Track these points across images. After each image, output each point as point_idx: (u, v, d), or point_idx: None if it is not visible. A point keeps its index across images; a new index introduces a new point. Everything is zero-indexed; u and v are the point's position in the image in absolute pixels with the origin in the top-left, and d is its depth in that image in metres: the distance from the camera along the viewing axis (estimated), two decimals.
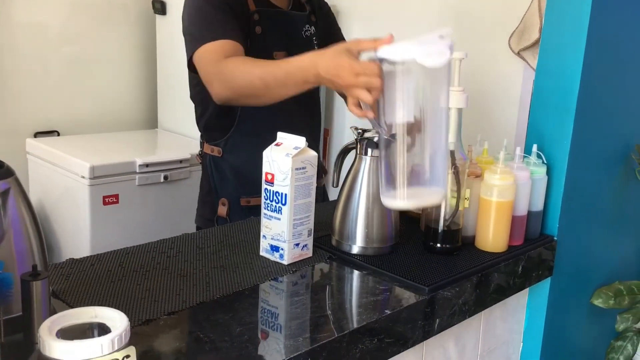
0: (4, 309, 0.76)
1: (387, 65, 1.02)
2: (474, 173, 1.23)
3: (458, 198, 1.17)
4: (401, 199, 1.04)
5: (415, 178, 1.05)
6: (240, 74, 1.30)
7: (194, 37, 1.40)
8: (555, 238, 1.35)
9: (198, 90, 1.54)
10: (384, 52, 1.01)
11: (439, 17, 2.45)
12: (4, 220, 0.77)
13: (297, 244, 1.14)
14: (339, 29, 1.76)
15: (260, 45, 1.47)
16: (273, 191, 1.12)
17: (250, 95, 1.30)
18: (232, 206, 1.55)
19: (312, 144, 1.42)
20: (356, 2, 2.08)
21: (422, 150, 1.05)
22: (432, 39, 1.01)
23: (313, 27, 1.61)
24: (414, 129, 1.05)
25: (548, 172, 1.31)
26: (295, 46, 1.49)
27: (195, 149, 2.53)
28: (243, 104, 1.42)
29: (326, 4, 1.72)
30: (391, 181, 1.05)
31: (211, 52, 1.35)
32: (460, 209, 1.20)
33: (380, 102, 1.03)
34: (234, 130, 1.53)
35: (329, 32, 1.67)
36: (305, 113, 1.60)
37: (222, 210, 1.56)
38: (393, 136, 1.04)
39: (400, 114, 1.02)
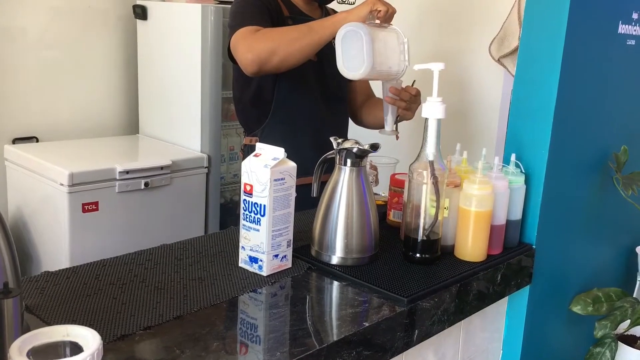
0: None
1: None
2: (453, 183, 1.24)
3: (437, 208, 1.18)
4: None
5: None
6: (275, 31, 1.51)
7: (233, 28, 1.58)
8: (533, 246, 1.36)
9: (238, 88, 1.73)
10: None
11: (419, 23, 2.46)
12: None
13: (276, 255, 1.14)
14: None
15: None
16: (252, 202, 1.12)
17: (281, 49, 1.48)
18: None
19: (339, 136, 1.59)
20: (340, 9, 2.08)
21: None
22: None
23: None
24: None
25: (526, 181, 1.32)
26: (326, 51, 1.63)
27: (177, 155, 2.54)
28: (272, 67, 1.51)
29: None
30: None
31: (244, 30, 1.53)
32: (439, 218, 1.20)
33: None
34: (269, 120, 1.69)
35: None
36: (331, 109, 1.76)
37: None
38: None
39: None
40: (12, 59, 2.58)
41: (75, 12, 2.74)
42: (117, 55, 2.92)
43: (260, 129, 1.71)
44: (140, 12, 2.78)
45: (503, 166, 1.30)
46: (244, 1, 1.63)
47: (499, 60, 2.21)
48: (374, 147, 1.17)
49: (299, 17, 1.65)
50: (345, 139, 1.22)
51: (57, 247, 2.26)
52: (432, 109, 1.15)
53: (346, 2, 2.70)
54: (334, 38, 1.68)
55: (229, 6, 1.74)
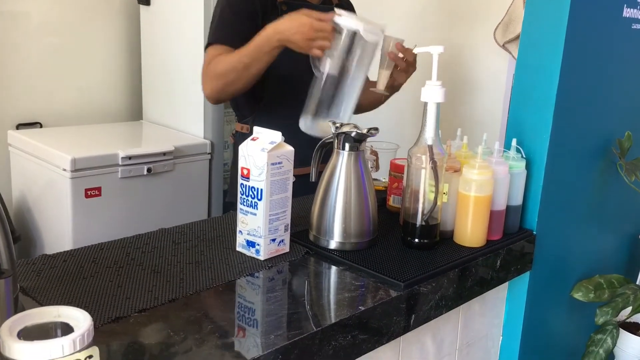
0: None
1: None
2: (452, 168, 1.23)
3: (436, 193, 1.17)
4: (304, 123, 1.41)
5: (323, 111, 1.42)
6: (222, 64, 1.49)
7: (211, 31, 1.60)
8: (534, 232, 1.35)
9: None
10: (339, 20, 1.37)
11: (423, 9, 2.44)
12: None
13: (274, 240, 1.13)
14: None
15: None
16: (249, 186, 1.11)
17: (234, 80, 1.49)
18: None
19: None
20: None
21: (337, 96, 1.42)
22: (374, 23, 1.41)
23: None
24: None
25: (527, 166, 1.31)
26: None
27: (180, 141, 2.53)
28: (231, 93, 1.56)
29: (351, 4, 1.84)
30: (307, 109, 1.42)
31: (210, 56, 1.54)
32: (438, 203, 1.19)
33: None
34: (261, 107, 1.66)
35: None
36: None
37: None
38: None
39: (328, 64, 1.39)
40: (15, 44, 2.58)
41: None
42: (120, 41, 2.91)
43: (251, 116, 1.68)
44: None
45: (504, 151, 1.28)
46: (229, 1, 1.60)
47: (503, 46, 2.19)
48: (372, 131, 1.17)
49: (294, 2, 1.60)
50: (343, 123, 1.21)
51: (60, 232, 2.27)
52: (431, 92, 1.14)
53: None
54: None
55: None
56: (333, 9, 1.69)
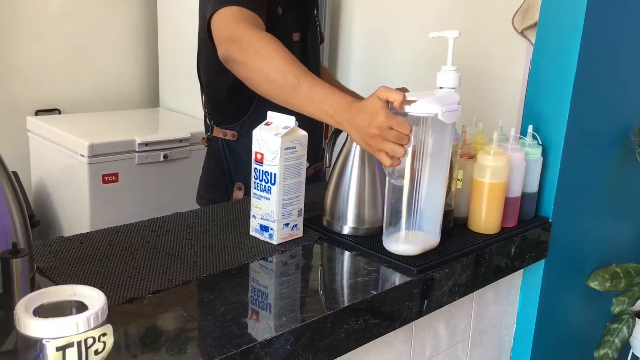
0: None
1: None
2: (467, 154, 1.22)
3: (450, 179, 1.16)
4: (404, 246, 1.09)
5: (412, 221, 1.11)
6: (272, 50, 1.17)
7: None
8: (550, 220, 1.34)
9: (210, 72, 1.47)
10: (412, 109, 1.03)
11: None
12: None
13: (287, 224, 1.14)
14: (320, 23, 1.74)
15: (281, 26, 1.44)
16: (262, 171, 1.11)
17: (264, 78, 1.18)
18: (248, 190, 1.48)
19: (323, 125, 1.45)
20: None
21: (422, 196, 1.09)
22: (448, 94, 1.09)
23: (316, 9, 1.62)
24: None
25: (544, 154, 1.30)
26: (307, 27, 1.54)
27: (196, 128, 2.54)
28: (243, 76, 1.25)
29: None
30: (394, 223, 1.11)
31: (235, 15, 1.24)
32: (452, 190, 1.19)
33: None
34: (251, 114, 1.47)
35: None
36: None
37: (238, 194, 1.52)
38: (401, 181, 1.08)
39: (409, 162, 1.07)
40: (34, 31, 2.61)
41: None
42: (137, 29, 2.93)
43: (239, 123, 1.49)
44: None
45: (520, 138, 1.27)
46: None
47: (522, 32, 2.16)
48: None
49: None
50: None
51: (78, 217, 2.30)
52: (446, 78, 1.13)
53: None
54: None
55: None
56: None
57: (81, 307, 0.70)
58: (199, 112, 2.84)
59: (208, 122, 1.58)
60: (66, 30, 2.69)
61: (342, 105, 1.08)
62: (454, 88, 1.12)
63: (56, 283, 0.92)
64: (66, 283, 0.91)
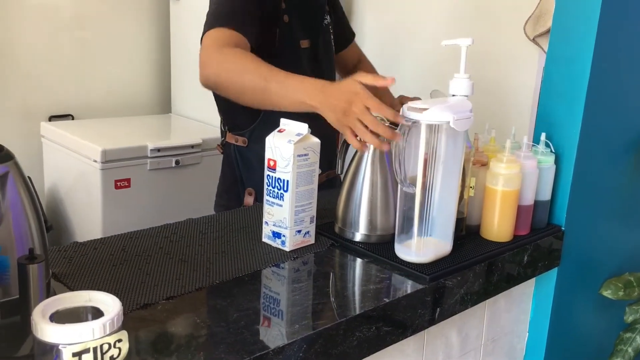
0: (1, 292, 0.77)
1: (409, 121, 1.04)
2: (479, 161, 1.22)
3: (462, 186, 1.16)
4: (416, 254, 1.09)
5: (424, 228, 1.10)
6: (240, 65, 1.25)
7: (212, 17, 1.36)
8: (562, 228, 1.33)
9: None
10: (424, 117, 1.03)
11: (454, 2, 2.41)
12: (2, 204, 0.78)
13: (299, 231, 1.14)
14: (347, 23, 1.81)
15: (288, 33, 1.48)
16: (275, 177, 1.12)
17: (231, 91, 1.27)
18: (259, 196, 1.50)
19: (335, 130, 1.44)
20: None
21: (434, 203, 1.09)
22: (461, 102, 1.09)
23: (329, 17, 1.64)
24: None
25: (556, 161, 1.29)
26: (317, 35, 1.56)
27: (208, 134, 2.55)
28: (224, 95, 1.34)
29: None
30: (406, 231, 1.10)
31: (217, 38, 1.32)
32: (464, 197, 1.19)
33: (400, 156, 1.04)
34: (260, 120, 1.48)
35: (339, 22, 1.72)
36: None
37: (249, 200, 1.53)
38: (413, 189, 1.08)
39: (422, 169, 1.06)
40: (48, 38, 2.63)
41: None
42: (150, 35, 2.95)
43: (249, 129, 1.51)
44: None
45: (533, 145, 1.27)
46: None
47: (534, 40, 2.16)
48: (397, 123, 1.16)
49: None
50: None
51: (91, 222, 2.31)
52: (459, 85, 1.13)
53: None
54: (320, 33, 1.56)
55: None
56: (324, 4, 1.56)
57: (97, 313, 0.71)
58: (211, 118, 2.86)
59: (222, 128, 1.61)
60: (80, 37, 2.72)
61: (315, 89, 1.11)
62: (466, 96, 1.12)
63: (71, 288, 0.93)
64: (81, 289, 0.92)
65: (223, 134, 1.60)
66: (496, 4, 2.29)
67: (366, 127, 1.06)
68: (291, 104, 1.16)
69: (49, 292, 0.83)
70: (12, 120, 2.59)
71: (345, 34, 1.77)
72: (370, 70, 1.78)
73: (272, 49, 1.44)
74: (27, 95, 2.63)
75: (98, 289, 0.91)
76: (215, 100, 1.57)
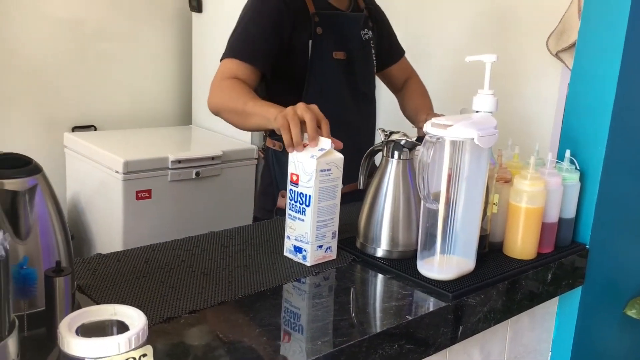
0: (28, 303, 0.78)
1: (433, 137, 1.05)
2: (503, 178, 1.21)
3: (486, 203, 1.15)
4: (439, 271, 1.08)
5: (447, 245, 1.09)
6: (229, 96, 1.42)
7: (229, 46, 1.51)
8: (587, 246, 1.31)
9: (262, 87, 1.59)
10: (448, 134, 1.03)
11: (476, 15, 2.41)
12: (30, 216, 0.79)
13: (321, 246, 1.14)
14: (395, 41, 1.84)
15: (321, 45, 1.55)
16: (297, 192, 1.12)
17: (233, 119, 1.44)
18: None
19: (368, 141, 1.53)
20: (392, 1, 2.06)
21: (457, 220, 1.08)
22: (485, 118, 1.09)
23: (371, 32, 1.68)
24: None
25: (581, 179, 1.28)
26: (354, 47, 1.62)
27: (228, 146, 2.57)
28: (225, 120, 1.49)
29: (384, 14, 1.81)
30: (428, 247, 1.10)
31: (225, 70, 1.47)
32: (487, 214, 1.18)
33: (424, 172, 1.04)
34: None
35: (384, 39, 1.77)
36: (361, 112, 1.68)
37: (282, 202, 1.59)
38: (436, 205, 1.07)
39: (445, 186, 1.06)
40: (72, 50, 2.67)
41: (132, 4, 2.81)
42: (172, 48, 2.98)
43: None
44: (196, 5, 2.83)
45: (557, 162, 1.26)
46: (255, 12, 1.51)
47: (556, 55, 2.14)
48: (422, 140, 1.16)
49: (326, 12, 1.57)
50: (373, 139, 1.20)
51: (112, 232, 2.33)
52: (483, 101, 1.12)
53: None
54: (367, 40, 1.65)
55: None
56: (365, 20, 1.67)
57: (122, 326, 0.71)
58: (230, 130, 2.87)
59: (264, 133, 1.72)
60: (103, 49, 2.76)
61: (276, 108, 1.24)
62: (490, 112, 1.12)
63: (95, 300, 0.94)
64: (104, 301, 0.92)
65: (264, 138, 1.70)
66: (518, 19, 2.28)
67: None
68: (260, 120, 1.30)
69: (73, 304, 0.83)
70: (36, 131, 2.63)
71: (391, 51, 1.80)
72: (418, 90, 1.80)
73: (305, 59, 1.53)
74: (51, 106, 2.67)
75: (121, 302, 0.92)
76: None
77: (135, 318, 0.71)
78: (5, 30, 2.49)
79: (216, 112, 1.48)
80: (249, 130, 1.64)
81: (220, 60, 1.50)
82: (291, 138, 1.12)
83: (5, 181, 0.77)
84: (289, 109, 1.17)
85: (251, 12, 1.52)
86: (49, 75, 2.64)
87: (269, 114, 1.25)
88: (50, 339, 0.76)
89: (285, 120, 1.14)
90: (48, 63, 2.63)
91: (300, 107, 1.15)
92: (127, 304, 0.74)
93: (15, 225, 0.77)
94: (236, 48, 1.49)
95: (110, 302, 0.91)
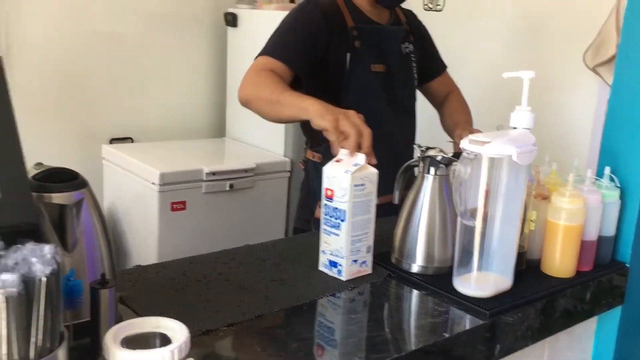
0: (73, 314, 0.80)
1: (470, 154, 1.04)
2: (541, 195, 1.19)
3: (523, 220, 1.14)
4: (475, 288, 1.08)
5: (484, 262, 1.09)
6: (263, 85, 1.43)
7: (265, 47, 1.54)
8: (627, 265, 1.29)
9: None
10: (486, 150, 1.03)
11: (512, 30, 2.40)
12: (76, 229, 0.81)
13: (356, 260, 1.14)
14: (437, 55, 1.85)
15: (359, 57, 1.58)
16: (332, 207, 1.13)
17: (264, 110, 1.44)
18: None
19: (407, 153, 1.54)
20: (426, 16, 2.07)
21: (494, 237, 1.08)
22: (523, 135, 1.08)
23: (412, 46, 1.70)
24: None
25: (621, 196, 1.26)
26: (394, 61, 1.64)
27: (261, 158, 2.60)
28: (253, 111, 1.49)
29: (425, 29, 1.81)
30: (465, 264, 1.09)
31: (259, 64, 1.49)
32: (525, 231, 1.17)
33: (461, 189, 1.04)
34: None
35: (428, 56, 1.79)
36: (400, 124, 1.70)
37: (320, 212, 1.59)
38: (473, 222, 1.07)
39: (482, 202, 1.05)
40: (111, 64, 2.75)
41: (169, 19, 2.87)
42: (207, 61, 3.04)
43: (323, 146, 1.56)
44: (231, 20, 2.88)
45: (596, 179, 1.24)
46: (294, 20, 1.55)
47: (593, 69, 2.11)
48: (458, 156, 1.15)
49: (364, 26, 1.59)
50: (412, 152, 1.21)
51: (147, 243, 2.37)
52: (521, 118, 1.12)
53: (432, 9, 2.67)
54: (408, 49, 1.67)
55: None
56: (406, 33, 1.70)
57: (164, 339, 0.73)
58: (263, 143, 2.90)
59: (305, 145, 1.73)
60: (140, 64, 2.82)
61: (317, 101, 1.26)
62: (528, 129, 1.11)
63: (135, 311, 0.96)
64: (145, 312, 0.94)
65: (304, 150, 1.73)
66: (553, 32, 2.26)
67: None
68: (295, 110, 1.32)
69: (116, 316, 0.85)
70: (76, 143, 2.70)
71: (432, 65, 1.81)
72: (458, 104, 1.81)
73: (342, 71, 1.56)
74: (90, 118, 2.74)
75: (161, 314, 0.93)
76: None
77: (177, 331, 0.72)
78: (48, 45, 2.57)
79: (246, 102, 1.47)
80: (280, 122, 1.62)
81: (255, 57, 1.53)
82: (336, 139, 1.17)
83: (53, 195, 0.79)
84: (342, 115, 1.18)
85: (291, 20, 1.56)
86: (89, 89, 2.71)
87: (306, 104, 1.27)
88: (95, 349, 0.78)
89: (335, 124, 1.17)
90: (88, 77, 2.70)
91: (350, 119, 1.17)
92: (167, 316, 0.75)
93: (62, 238, 0.80)
94: (272, 48, 1.52)
95: (150, 314, 0.93)
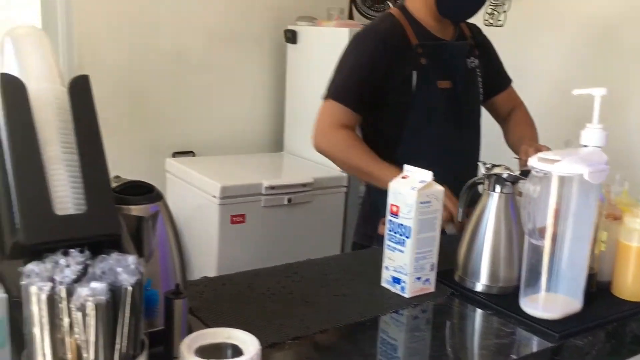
0: (148, 323, 0.83)
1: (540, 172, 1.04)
2: (612, 215, 1.16)
3: (593, 241, 1.11)
4: (544, 309, 1.06)
5: (552, 283, 1.07)
6: (343, 150, 1.58)
7: (329, 87, 1.60)
8: None
9: (370, 122, 1.65)
10: (556, 169, 1.02)
11: (575, 44, 2.35)
12: (152, 240, 0.85)
13: (419, 278, 1.14)
14: (502, 70, 1.83)
15: (425, 75, 1.58)
16: (397, 223, 1.13)
17: (344, 167, 1.64)
18: None
19: (471, 169, 1.53)
20: (487, 32, 2.04)
21: (564, 257, 1.06)
22: (594, 153, 1.06)
23: (477, 60, 1.70)
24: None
25: None
26: (460, 76, 1.64)
27: (319, 173, 2.62)
28: (332, 161, 1.66)
29: (490, 43, 1.80)
30: (532, 284, 1.07)
31: (330, 113, 1.57)
32: (595, 252, 1.13)
33: (530, 207, 1.03)
34: (397, 152, 1.60)
35: (493, 70, 1.78)
36: (464, 140, 1.69)
37: (383, 229, 1.59)
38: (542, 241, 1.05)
39: (552, 221, 1.04)
40: (175, 80, 2.84)
41: (231, 36, 2.95)
42: (267, 78, 3.09)
43: (389, 161, 1.56)
44: (291, 37, 2.93)
45: None
46: (355, 57, 1.58)
47: None
48: (525, 173, 1.14)
49: (429, 43, 1.59)
50: (476, 169, 1.20)
51: (207, 255, 2.42)
52: (592, 135, 1.09)
53: (493, 25, 2.64)
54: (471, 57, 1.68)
55: None
56: (471, 48, 1.69)
57: (235, 350, 0.74)
58: (321, 158, 2.91)
59: None
60: (203, 80, 2.91)
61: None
62: (599, 147, 1.08)
63: (204, 322, 0.98)
64: (212, 323, 0.97)
65: None
66: (620, 46, 2.20)
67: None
68: (381, 184, 1.39)
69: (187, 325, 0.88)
70: (142, 156, 2.79)
71: (497, 79, 1.80)
72: (523, 119, 1.79)
73: (408, 89, 1.56)
74: (155, 132, 2.83)
75: (228, 325, 0.95)
76: (361, 132, 1.70)
77: (248, 342, 0.74)
78: (116, 61, 2.68)
79: (322, 153, 1.60)
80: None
81: (323, 98, 1.58)
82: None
83: (132, 207, 0.83)
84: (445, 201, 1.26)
85: (353, 54, 1.59)
86: (153, 104, 2.81)
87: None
88: (168, 358, 0.80)
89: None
90: (154, 93, 2.80)
91: (449, 201, 1.35)
92: (234, 327, 0.77)
93: (140, 248, 0.83)
94: (338, 90, 1.57)
95: (218, 325, 0.95)
